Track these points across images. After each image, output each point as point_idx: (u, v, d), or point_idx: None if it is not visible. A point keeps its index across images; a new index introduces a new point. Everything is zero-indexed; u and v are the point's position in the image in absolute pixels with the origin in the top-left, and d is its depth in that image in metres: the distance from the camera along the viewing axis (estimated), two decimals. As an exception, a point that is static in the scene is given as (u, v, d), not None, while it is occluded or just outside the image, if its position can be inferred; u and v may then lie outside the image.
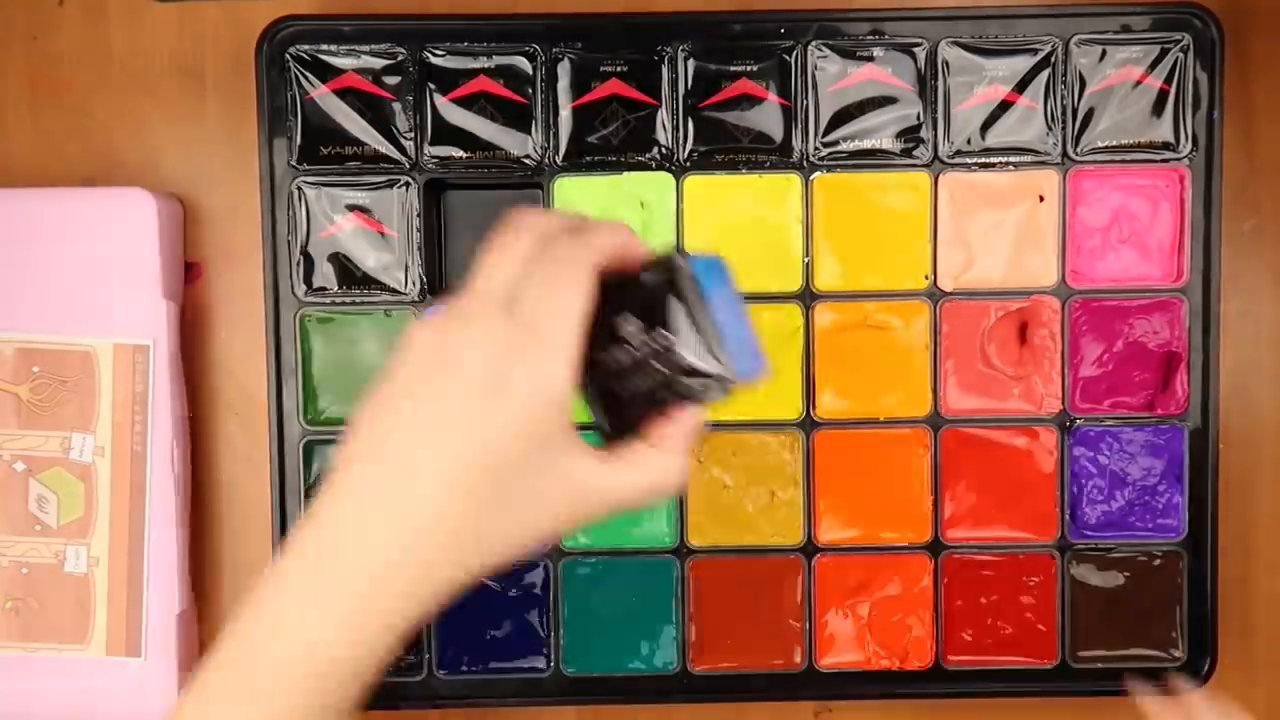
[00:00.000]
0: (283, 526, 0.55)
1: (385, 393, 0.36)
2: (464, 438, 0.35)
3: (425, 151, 0.55)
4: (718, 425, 0.55)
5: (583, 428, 0.37)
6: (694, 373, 0.37)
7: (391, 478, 0.35)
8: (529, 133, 0.55)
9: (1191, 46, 0.54)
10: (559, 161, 0.55)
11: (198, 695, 0.36)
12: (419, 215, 0.55)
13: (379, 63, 0.54)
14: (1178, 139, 0.55)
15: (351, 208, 0.55)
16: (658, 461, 0.38)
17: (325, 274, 0.55)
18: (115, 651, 0.55)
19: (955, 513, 0.56)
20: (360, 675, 0.36)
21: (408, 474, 0.35)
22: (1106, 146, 0.55)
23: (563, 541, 0.55)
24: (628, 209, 0.55)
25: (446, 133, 0.55)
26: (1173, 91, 0.54)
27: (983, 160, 0.55)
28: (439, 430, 0.35)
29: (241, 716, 0.35)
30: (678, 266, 0.37)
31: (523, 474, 0.36)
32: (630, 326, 0.37)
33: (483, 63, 0.55)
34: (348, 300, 0.55)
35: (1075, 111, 0.55)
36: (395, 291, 0.55)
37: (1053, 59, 0.54)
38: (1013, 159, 0.55)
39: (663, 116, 0.55)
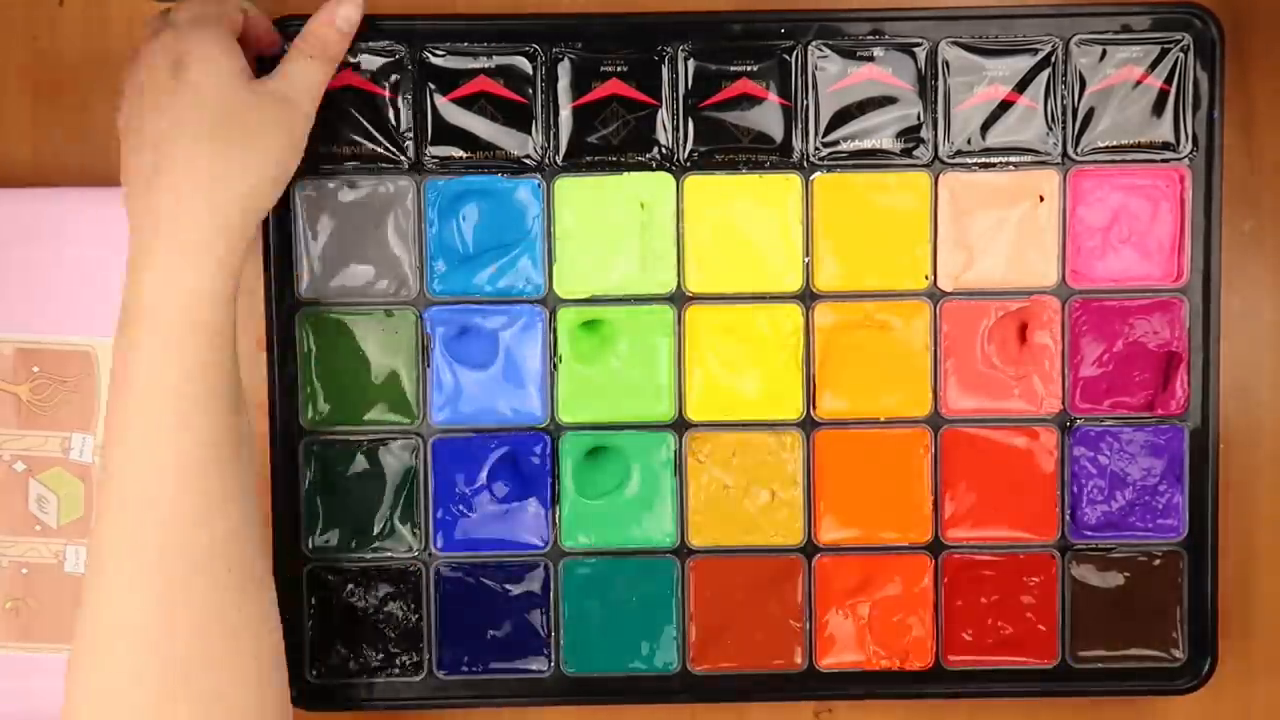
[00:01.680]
0: (283, 527, 0.55)
1: (125, 126, 0.49)
2: (179, 107, 0.47)
3: (425, 151, 0.55)
4: (718, 425, 0.55)
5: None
6: None
7: (144, 151, 0.47)
8: (529, 133, 0.55)
9: (1192, 46, 0.54)
10: (559, 161, 0.55)
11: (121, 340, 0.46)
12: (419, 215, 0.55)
13: (378, 61, 0.54)
14: (1178, 139, 0.55)
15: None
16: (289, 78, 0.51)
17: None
18: (115, 652, 0.55)
19: (955, 513, 0.56)
20: (212, 299, 0.46)
21: (154, 148, 0.47)
22: (1107, 146, 0.55)
23: (563, 541, 0.56)
24: (628, 209, 0.55)
25: (446, 133, 0.55)
26: (1173, 91, 0.54)
27: (983, 160, 0.55)
28: (159, 114, 0.47)
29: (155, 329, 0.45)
30: None
31: (231, 119, 0.47)
32: None
33: (483, 63, 0.55)
34: (348, 301, 0.55)
35: (1075, 111, 0.55)
36: (397, 292, 0.55)
37: (1053, 59, 0.54)
38: (1013, 159, 0.55)
39: (663, 116, 0.55)
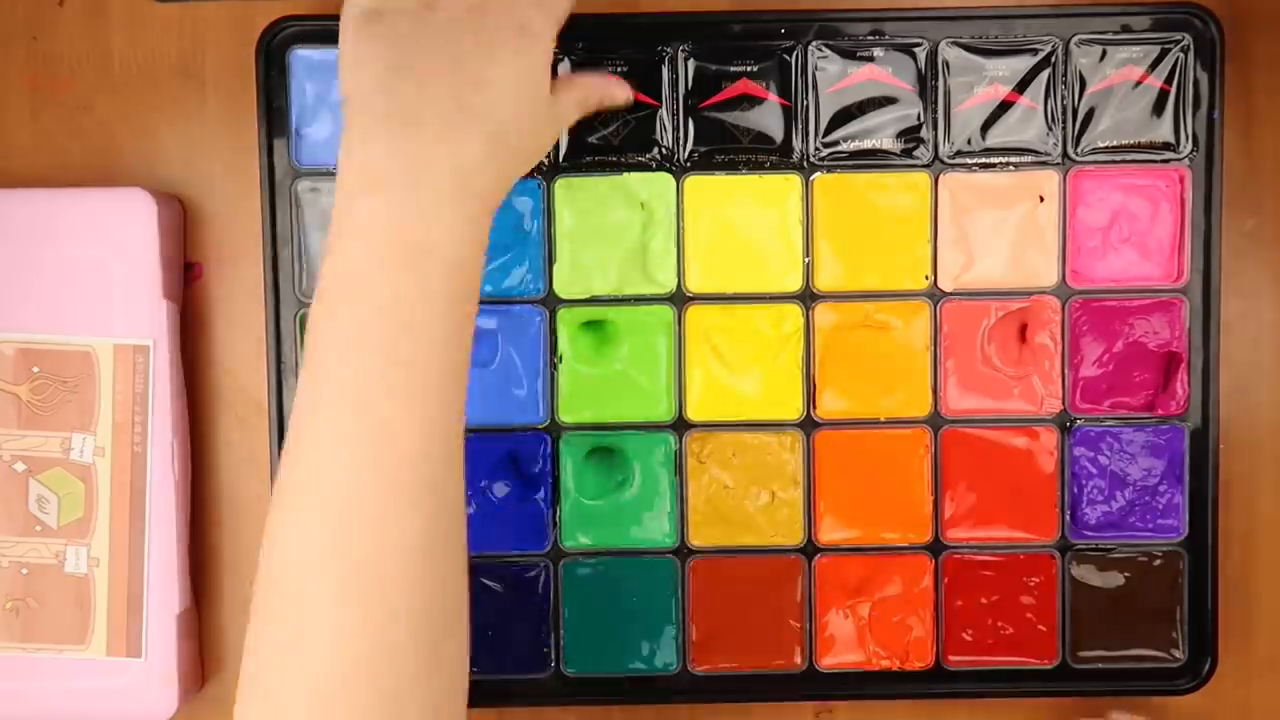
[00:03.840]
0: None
1: (414, 19, 0.44)
2: (521, 67, 0.44)
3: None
4: (718, 425, 0.55)
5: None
6: None
7: (464, 84, 0.43)
8: (529, 133, 0.55)
9: (1192, 46, 0.54)
10: (560, 161, 0.55)
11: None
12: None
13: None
14: (1178, 139, 0.55)
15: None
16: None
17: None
18: (115, 652, 0.55)
19: (955, 513, 0.56)
20: (464, 264, 0.42)
21: (478, 88, 0.43)
22: (1107, 146, 0.55)
23: (563, 541, 0.56)
24: (628, 209, 0.55)
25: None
26: (1173, 91, 0.54)
27: (983, 160, 0.55)
28: (496, 61, 0.44)
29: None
30: None
31: (542, 103, 0.45)
32: None
33: (483, 63, 0.54)
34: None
35: (1075, 111, 0.55)
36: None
37: (1053, 59, 0.54)
38: (1013, 159, 0.55)
39: (663, 116, 0.55)
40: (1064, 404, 0.55)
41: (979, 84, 0.55)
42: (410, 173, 0.42)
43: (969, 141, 0.55)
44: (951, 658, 0.56)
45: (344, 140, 0.43)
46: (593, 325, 0.55)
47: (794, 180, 0.55)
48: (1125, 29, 0.54)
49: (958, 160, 0.55)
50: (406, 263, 0.41)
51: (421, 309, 0.41)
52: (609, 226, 0.55)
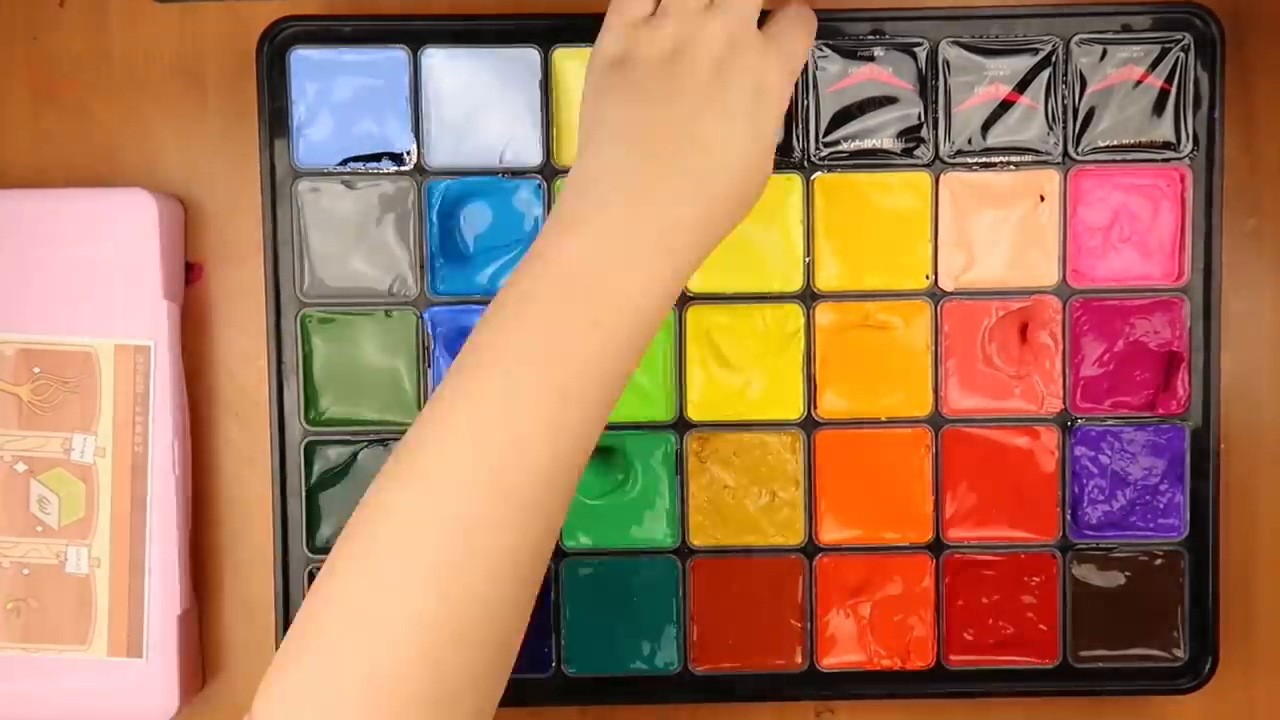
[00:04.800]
0: (283, 527, 0.55)
1: (652, 76, 0.44)
2: (751, 134, 0.44)
3: (427, 155, 0.55)
4: (718, 425, 0.55)
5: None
6: None
7: (687, 146, 0.43)
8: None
9: (1192, 46, 0.54)
10: (560, 163, 0.55)
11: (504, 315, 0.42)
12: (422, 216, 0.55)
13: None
14: (1178, 138, 0.55)
15: (352, 208, 0.55)
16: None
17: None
18: (116, 652, 0.55)
19: (956, 512, 0.56)
20: (652, 322, 0.42)
21: (703, 153, 0.43)
22: (1107, 146, 0.55)
23: (564, 541, 0.56)
24: (628, 209, 0.55)
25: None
26: (1173, 91, 0.54)
27: (983, 160, 0.55)
28: (728, 122, 0.43)
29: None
30: None
31: (763, 174, 0.45)
32: None
33: (483, 63, 0.55)
34: (348, 301, 0.55)
35: (1076, 111, 0.55)
36: (398, 292, 0.55)
37: (1053, 58, 0.54)
38: (1013, 159, 0.55)
39: (663, 116, 0.54)
40: (1065, 403, 0.55)
41: (979, 83, 0.55)
42: (615, 221, 0.42)
43: (969, 141, 0.55)
44: (952, 657, 0.56)
45: (573, 169, 0.44)
46: (593, 325, 0.55)
47: (794, 180, 0.55)
48: (1126, 28, 0.54)
49: (958, 160, 0.55)
50: (587, 299, 0.41)
51: (594, 346, 0.41)
52: (609, 226, 0.55)
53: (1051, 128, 0.55)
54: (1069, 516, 0.56)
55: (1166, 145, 0.55)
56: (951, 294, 0.55)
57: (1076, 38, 0.54)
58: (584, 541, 0.56)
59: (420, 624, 0.38)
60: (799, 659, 0.56)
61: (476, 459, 0.40)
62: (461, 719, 0.39)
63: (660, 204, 0.42)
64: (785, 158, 0.55)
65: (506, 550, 0.40)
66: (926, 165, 0.55)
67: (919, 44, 0.54)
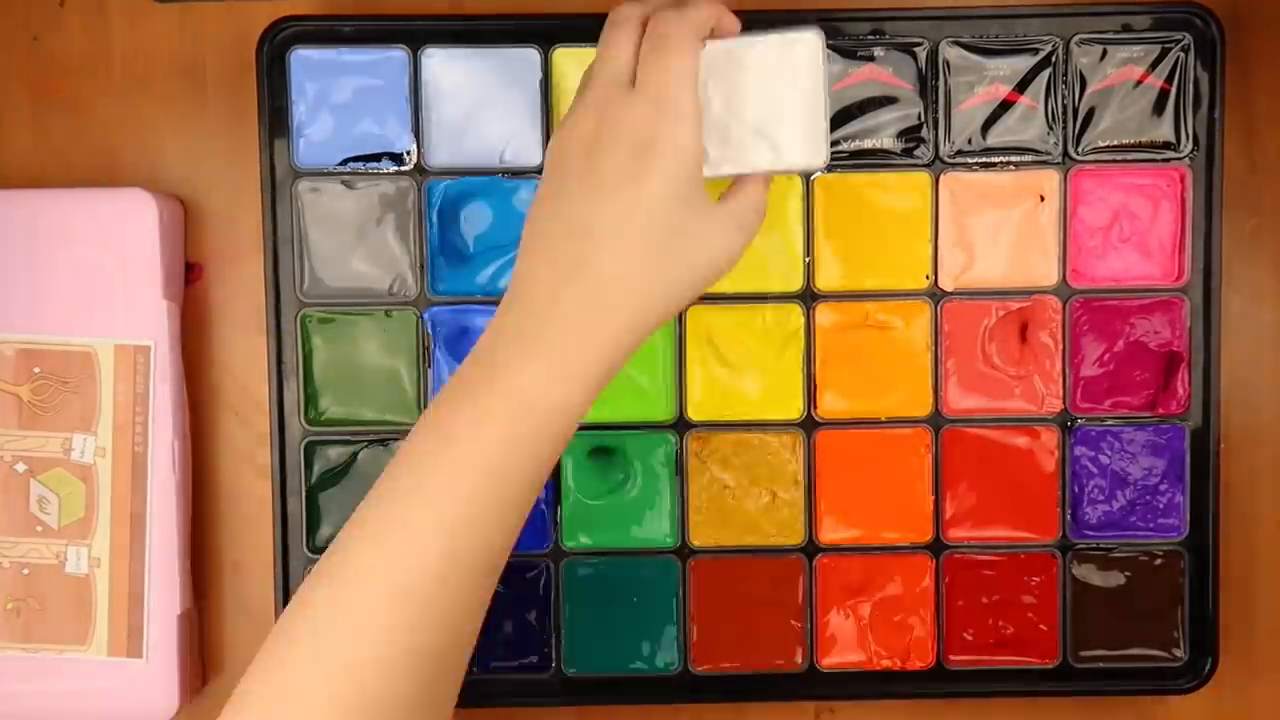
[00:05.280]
0: (283, 527, 0.55)
1: (552, 181, 0.43)
2: (628, 200, 0.41)
3: (427, 158, 0.55)
4: (718, 426, 0.55)
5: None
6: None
7: (574, 238, 0.41)
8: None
9: (1192, 46, 0.54)
10: (560, 161, 0.55)
11: (428, 424, 0.41)
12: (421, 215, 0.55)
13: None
14: (1178, 138, 0.55)
15: (352, 208, 0.55)
16: (745, 199, 0.44)
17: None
18: (116, 653, 0.55)
19: (956, 512, 0.56)
20: (558, 422, 0.41)
21: (585, 236, 0.41)
22: (1107, 146, 0.55)
23: (564, 541, 0.55)
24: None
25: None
26: (1173, 91, 0.54)
27: (983, 160, 0.55)
28: (603, 199, 0.41)
29: (457, 440, 0.40)
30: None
31: (675, 228, 0.41)
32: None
33: (484, 63, 0.55)
34: (348, 301, 0.55)
35: (1076, 111, 0.55)
36: (398, 292, 0.55)
37: (1053, 58, 0.54)
38: (1013, 159, 0.55)
39: (663, 116, 0.54)
40: (1065, 403, 0.55)
41: (979, 83, 0.55)
42: (502, 321, 0.42)
43: (969, 141, 0.55)
44: (952, 657, 0.56)
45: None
46: (593, 325, 0.55)
47: (795, 180, 0.55)
48: (1126, 28, 0.54)
49: (958, 160, 0.55)
50: (478, 397, 0.41)
51: (489, 444, 0.41)
52: (609, 226, 0.55)
53: (1051, 128, 0.55)
54: (1069, 516, 0.56)
55: (1166, 145, 0.55)
56: (951, 294, 0.55)
57: (1076, 38, 0.54)
58: (584, 541, 0.56)
59: (386, 642, 0.39)
60: (799, 659, 0.56)
61: (375, 559, 0.40)
62: None
63: (559, 308, 0.41)
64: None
65: (407, 653, 0.39)
66: (926, 165, 0.55)
67: (919, 44, 0.54)
